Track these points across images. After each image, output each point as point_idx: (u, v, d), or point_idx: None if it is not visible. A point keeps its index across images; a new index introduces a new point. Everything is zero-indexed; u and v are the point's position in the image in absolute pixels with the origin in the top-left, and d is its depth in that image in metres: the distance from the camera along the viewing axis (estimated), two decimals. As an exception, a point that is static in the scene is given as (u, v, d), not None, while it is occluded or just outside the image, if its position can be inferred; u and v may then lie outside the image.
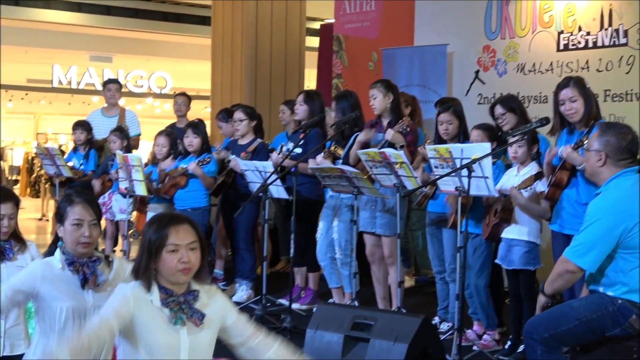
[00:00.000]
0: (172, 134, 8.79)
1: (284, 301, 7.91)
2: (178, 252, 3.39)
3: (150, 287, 3.44)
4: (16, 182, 21.87)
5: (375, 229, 7.16)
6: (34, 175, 20.69)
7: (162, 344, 3.40)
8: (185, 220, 3.48)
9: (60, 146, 19.75)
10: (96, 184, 9.04)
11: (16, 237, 4.77)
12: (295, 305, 7.70)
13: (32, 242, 4.89)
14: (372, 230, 7.19)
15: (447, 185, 6.14)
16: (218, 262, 9.16)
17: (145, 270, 3.43)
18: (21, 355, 4.53)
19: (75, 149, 9.72)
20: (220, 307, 3.57)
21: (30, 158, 21.45)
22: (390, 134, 6.93)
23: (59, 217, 3.99)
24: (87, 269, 3.94)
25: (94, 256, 4.00)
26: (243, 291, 8.37)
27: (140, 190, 8.00)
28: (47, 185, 19.85)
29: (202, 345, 3.49)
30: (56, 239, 4.05)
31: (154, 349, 3.40)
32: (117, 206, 8.99)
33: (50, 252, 4.07)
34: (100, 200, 9.01)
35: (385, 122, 7.19)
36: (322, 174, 7.13)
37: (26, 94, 22.25)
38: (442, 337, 6.47)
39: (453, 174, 5.97)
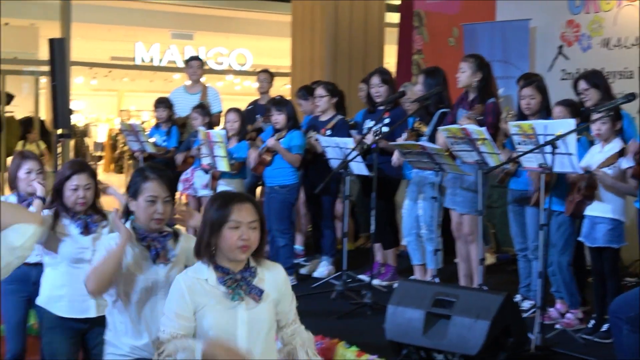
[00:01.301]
0: (241, 110, 8.88)
1: (364, 277, 7.95)
2: (239, 230, 3.43)
3: (208, 265, 3.50)
4: (100, 158, 22.29)
5: (456, 206, 7.13)
6: (118, 152, 21.07)
7: (216, 321, 3.45)
8: (248, 200, 3.52)
9: (142, 123, 20.07)
10: (179, 156, 9.17)
11: (94, 208, 4.86)
12: (375, 282, 7.72)
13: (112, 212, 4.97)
14: (452, 207, 7.17)
15: (530, 162, 6.08)
16: (298, 237, 9.23)
17: (207, 246, 3.48)
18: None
19: (157, 126, 9.86)
20: (279, 285, 3.63)
21: (113, 134, 21.82)
22: (464, 122, 6.84)
23: (132, 192, 4.03)
24: (158, 244, 4.02)
25: (165, 231, 4.08)
26: (324, 267, 8.43)
27: (222, 166, 8.09)
28: (130, 162, 20.22)
29: (261, 318, 3.53)
30: (126, 213, 4.10)
31: (209, 326, 3.45)
32: (200, 182, 9.09)
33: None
34: (183, 177, 9.15)
35: (470, 98, 7.12)
36: (403, 151, 7.12)
37: (110, 72, 22.54)
38: (524, 315, 6.43)
39: (537, 150, 5.91)
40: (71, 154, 18.38)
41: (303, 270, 8.61)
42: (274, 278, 3.60)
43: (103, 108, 26.38)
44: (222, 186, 8.30)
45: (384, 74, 8.10)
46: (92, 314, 4.74)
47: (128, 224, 4.04)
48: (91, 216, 4.81)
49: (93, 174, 4.84)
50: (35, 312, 5.68)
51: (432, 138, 7.25)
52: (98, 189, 4.91)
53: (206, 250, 3.48)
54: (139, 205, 3.99)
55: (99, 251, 4.04)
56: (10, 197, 5.61)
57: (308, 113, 9.05)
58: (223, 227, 3.43)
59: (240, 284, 3.48)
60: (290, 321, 3.69)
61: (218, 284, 3.47)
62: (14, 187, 5.59)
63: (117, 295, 4.03)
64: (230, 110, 8.63)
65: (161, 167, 4.41)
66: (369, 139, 7.57)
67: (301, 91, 9.33)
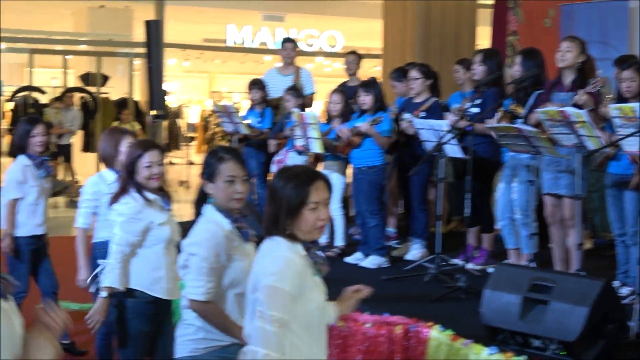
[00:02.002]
0: (345, 91, 8.87)
1: (457, 261, 7.89)
2: (317, 210, 3.30)
3: (294, 241, 3.34)
4: (192, 139, 22.58)
5: (559, 190, 6.97)
6: (210, 133, 21.30)
7: (319, 302, 3.35)
8: (321, 176, 3.39)
9: (234, 104, 20.28)
10: (272, 143, 9.24)
11: (161, 188, 4.93)
12: (469, 265, 7.66)
13: None
14: (556, 191, 7.01)
15: (631, 145, 5.94)
16: (391, 220, 9.21)
17: (283, 226, 3.31)
18: None
19: (251, 107, 9.94)
20: None
21: (205, 116, 22.07)
22: (582, 99, 6.66)
23: (209, 174, 3.99)
24: (245, 225, 4.01)
25: (243, 212, 4.05)
26: (416, 250, 8.39)
27: (316, 147, 8.12)
28: (222, 143, 20.43)
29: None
30: (201, 198, 4.07)
31: (315, 307, 3.33)
32: (293, 163, 9.15)
33: (197, 212, 4.08)
34: (277, 158, 9.21)
35: (567, 80, 6.96)
36: (498, 133, 7.03)
37: (202, 54, 22.85)
38: (623, 301, 6.30)
39: (638, 134, 5.77)
40: (164, 135, 18.70)
41: (395, 253, 8.59)
42: None
43: (195, 89, 26.76)
44: (325, 169, 8.33)
45: (487, 54, 8.01)
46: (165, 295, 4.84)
47: (211, 207, 4.01)
48: (162, 196, 4.90)
49: (163, 152, 4.92)
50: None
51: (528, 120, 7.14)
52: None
53: (281, 229, 3.32)
54: (218, 187, 3.97)
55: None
56: (105, 172, 5.75)
57: (402, 95, 9.00)
58: (303, 209, 3.29)
59: (315, 258, 3.39)
60: None
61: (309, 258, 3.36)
62: (110, 163, 5.72)
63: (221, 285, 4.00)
64: (333, 91, 8.67)
65: (233, 147, 4.43)
66: (451, 118, 7.52)
67: (396, 73, 9.26)
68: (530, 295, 5.43)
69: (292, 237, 3.32)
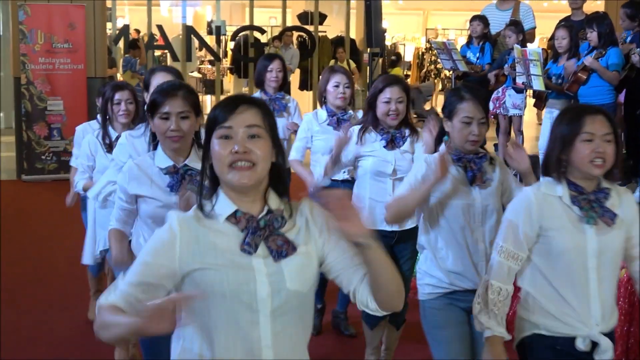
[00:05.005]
0: (572, 27, 8.55)
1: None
2: (592, 143, 3.22)
3: (560, 182, 3.33)
4: (407, 76, 22.55)
5: None
6: (424, 71, 21.20)
7: (569, 244, 3.28)
8: (601, 112, 3.30)
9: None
10: (491, 78, 9.07)
11: (407, 123, 4.92)
12: None
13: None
14: None
15: None
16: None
17: (557, 162, 3.31)
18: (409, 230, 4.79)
19: (469, 43, 9.77)
20: (630, 211, 3.39)
21: (420, 53, 21.95)
22: None
23: (447, 112, 3.95)
24: (474, 166, 3.92)
25: (480, 153, 3.97)
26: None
27: (538, 85, 7.91)
28: (436, 80, 20.33)
29: (611, 246, 3.31)
30: (439, 135, 4.07)
31: (560, 249, 3.29)
32: (510, 101, 8.96)
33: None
34: (494, 96, 9.05)
35: None
36: None
37: (419, -10, 22.69)
38: None
39: None
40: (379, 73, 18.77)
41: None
42: (625, 202, 3.37)
43: (409, 27, 26.59)
44: (548, 107, 8.13)
45: None
46: (387, 226, 4.84)
47: (442, 145, 4.01)
48: (400, 131, 4.88)
49: (406, 88, 4.88)
50: None
51: None
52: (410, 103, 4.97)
53: (556, 166, 3.32)
54: (454, 126, 3.91)
55: (414, 169, 4.06)
56: (319, 111, 5.83)
57: (629, 28, 8.57)
58: (575, 140, 3.25)
59: (593, 205, 3.29)
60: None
61: (572, 203, 3.30)
62: (323, 101, 5.81)
63: (431, 222, 3.99)
64: (558, 27, 8.39)
65: (477, 87, 4.33)
66: None
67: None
68: None
69: (563, 177, 3.33)
